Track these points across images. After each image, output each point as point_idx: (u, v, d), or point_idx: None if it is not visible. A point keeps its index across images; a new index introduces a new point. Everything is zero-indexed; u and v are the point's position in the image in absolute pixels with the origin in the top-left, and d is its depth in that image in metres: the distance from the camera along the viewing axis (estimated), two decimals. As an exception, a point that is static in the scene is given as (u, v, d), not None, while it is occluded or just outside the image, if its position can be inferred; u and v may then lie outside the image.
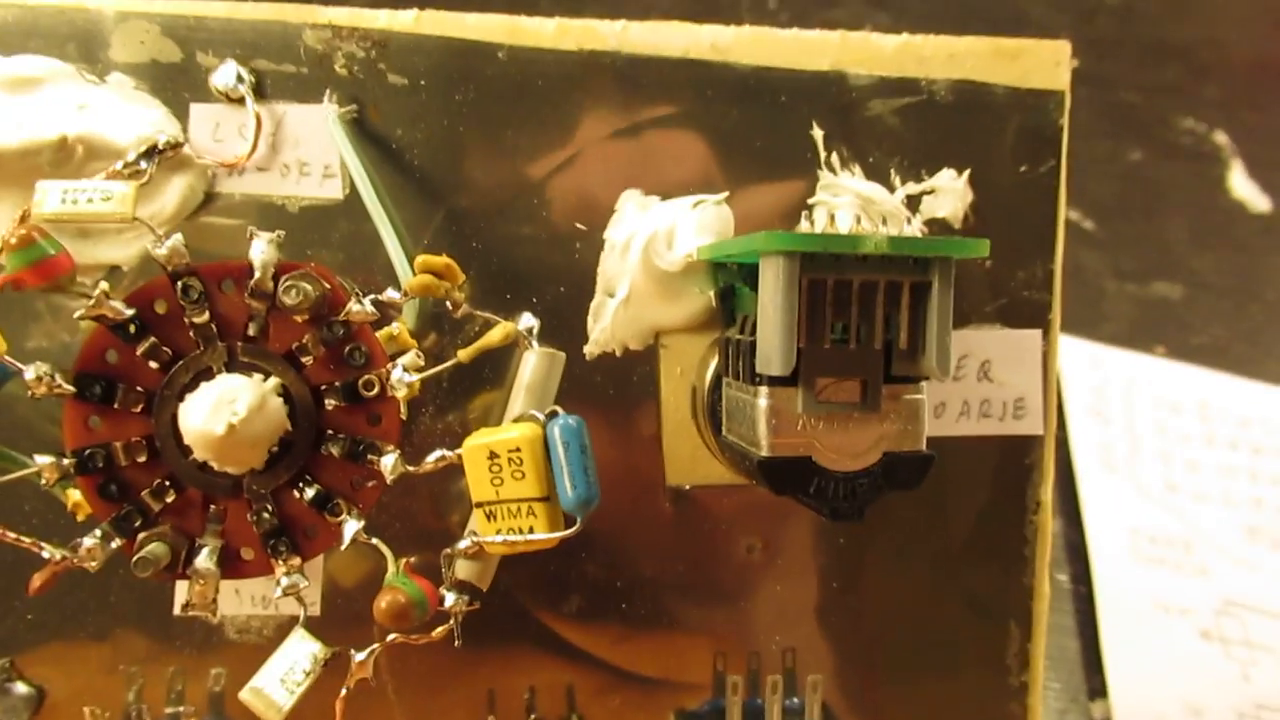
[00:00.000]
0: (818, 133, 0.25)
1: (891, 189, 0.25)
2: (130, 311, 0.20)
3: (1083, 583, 0.39)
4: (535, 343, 0.21)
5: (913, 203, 0.25)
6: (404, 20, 0.24)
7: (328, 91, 0.24)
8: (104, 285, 0.20)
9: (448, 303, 0.20)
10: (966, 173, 0.25)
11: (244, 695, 0.20)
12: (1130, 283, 0.53)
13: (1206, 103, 0.67)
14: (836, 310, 0.19)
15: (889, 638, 0.27)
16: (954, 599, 0.26)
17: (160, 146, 0.21)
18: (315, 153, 0.24)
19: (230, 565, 0.21)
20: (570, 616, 0.25)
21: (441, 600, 0.21)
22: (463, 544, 0.21)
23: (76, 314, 0.20)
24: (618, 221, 0.24)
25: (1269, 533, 0.41)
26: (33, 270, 0.19)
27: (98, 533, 0.20)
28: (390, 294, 0.20)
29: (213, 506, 0.21)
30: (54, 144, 0.22)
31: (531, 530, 0.20)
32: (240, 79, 0.23)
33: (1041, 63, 0.25)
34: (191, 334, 0.20)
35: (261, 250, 0.20)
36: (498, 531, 0.20)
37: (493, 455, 0.20)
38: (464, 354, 0.20)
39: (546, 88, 0.24)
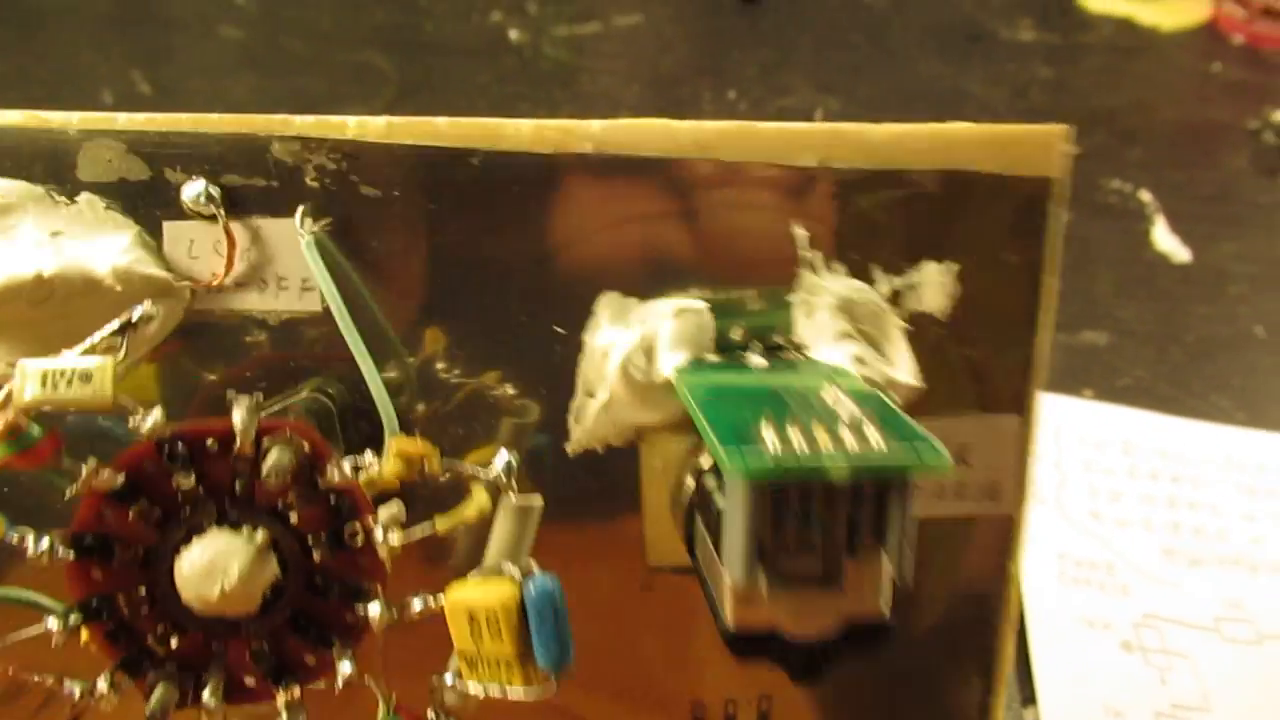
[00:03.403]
0: (800, 232, 0.24)
1: (873, 284, 0.24)
2: (120, 479, 0.20)
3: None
4: (514, 486, 0.21)
5: (896, 297, 0.25)
6: (376, 127, 0.23)
7: (300, 207, 0.23)
8: (92, 462, 0.20)
9: (426, 475, 0.20)
10: (951, 266, 0.24)
11: None
12: (1061, 333, 0.54)
13: (1132, 164, 0.70)
14: (801, 511, 0.19)
15: (863, 682, 0.28)
16: (924, 656, 0.27)
17: (134, 321, 0.21)
18: (292, 266, 0.23)
19: (236, 693, 0.22)
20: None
21: (430, 723, 0.22)
22: (448, 680, 0.22)
23: (68, 493, 0.20)
24: (594, 327, 0.24)
25: (1184, 552, 0.44)
26: (20, 457, 0.19)
27: (106, 676, 0.22)
28: (369, 461, 0.21)
29: (215, 644, 0.22)
30: (30, 283, 0.22)
31: (510, 683, 0.21)
32: (210, 197, 0.22)
33: (1033, 150, 0.24)
34: (178, 497, 0.21)
35: (240, 418, 0.20)
36: (478, 680, 0.21)
37: (472, 617, 0.20)
38: (441, 526, 0.21)
39: (522, 192, 0.24)
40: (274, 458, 0.19)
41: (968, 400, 0.25)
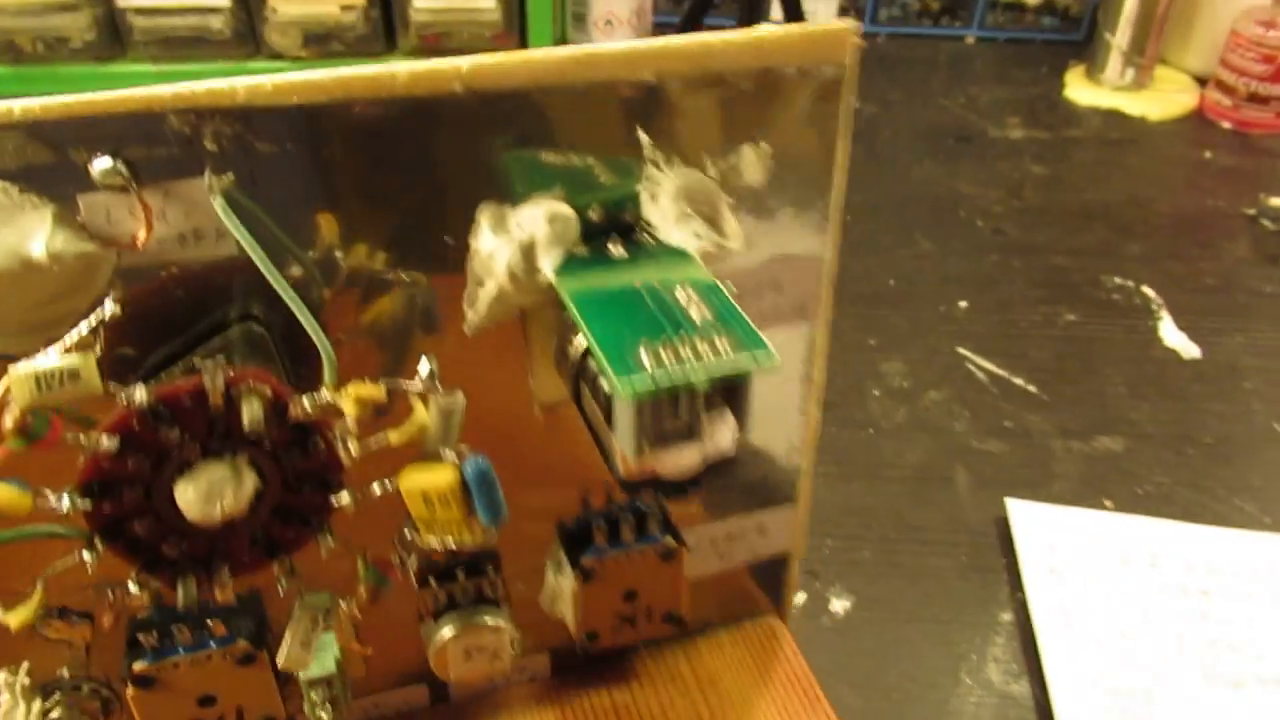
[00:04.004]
0: (643, 138, 0.28)
1: (704, 169, 0.29)
2: (116, 442, 0.24)
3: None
4: (439, 386, 0.26)
5: (722, 177, 0.29)
6: (263, 90, 0.24)
7: (207, 169, 0.25)
8: (90, 434, 0.23)
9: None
10: (765, 147, 0.29)
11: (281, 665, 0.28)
12: (1075, 440, 0.54)
13: (1132, 259, 0.70)
14: (672, 400, 0.25)
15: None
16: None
17: (106, 319, 0.23)
18: (205, 220, 0.25)
19: (240, 571, 0.27)
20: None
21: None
22: (408, 538, 0.28)
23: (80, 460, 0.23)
24: (478, 234, 0.28)
25: (1223, 673, 0.41)
26: (34, 448, 0.23)
27: (133, 579, 0.26)
28: (325, 396, 0.25)
29: (216, 541, 0.27)
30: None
31: (460, 538, 0.27)
32: (117, 170, 0.24)
33: (827, 45, 0.28)
34: (166, 444, 0.25)
35: (210, 374, 0.24)
36: (436, 537, 0.27)
37: (425, 496, 0.26)
38: (394, 439, 0.25)
39: (408, 130, 0.26)
40: (250, 412, 0.24)
41: (781, 244, 0.31)
